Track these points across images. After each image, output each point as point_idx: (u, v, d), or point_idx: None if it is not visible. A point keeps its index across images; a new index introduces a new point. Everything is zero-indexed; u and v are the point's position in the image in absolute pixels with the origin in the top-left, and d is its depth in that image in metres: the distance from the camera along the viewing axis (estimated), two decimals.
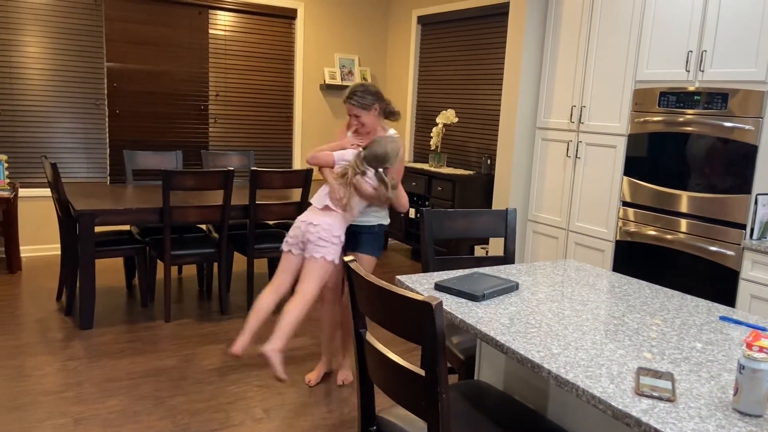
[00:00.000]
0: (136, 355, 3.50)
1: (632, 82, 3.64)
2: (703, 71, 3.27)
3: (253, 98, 6.33)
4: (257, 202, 4.19)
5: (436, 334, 1.41)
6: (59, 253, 5.54)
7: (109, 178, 5.70)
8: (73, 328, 3.86)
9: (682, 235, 3.39)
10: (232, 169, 4.03)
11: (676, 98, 3.40)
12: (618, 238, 3.75)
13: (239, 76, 6.24)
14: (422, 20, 6.34)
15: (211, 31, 6.05)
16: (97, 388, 3.10)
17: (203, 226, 5.04)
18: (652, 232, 3.54)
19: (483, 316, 1.81)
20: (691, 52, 3.32)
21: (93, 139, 5.61)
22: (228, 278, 4.73)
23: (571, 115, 4.02)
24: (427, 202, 5.61)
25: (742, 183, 3.11)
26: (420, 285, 2.08)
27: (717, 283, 3.23)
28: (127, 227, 5.04)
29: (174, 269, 5.19)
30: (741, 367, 1.29)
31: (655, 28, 3.50)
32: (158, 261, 4.87)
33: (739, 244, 3.13)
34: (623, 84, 3.69)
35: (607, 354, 1.58)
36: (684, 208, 3.38)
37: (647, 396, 1.35)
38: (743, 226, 3.13)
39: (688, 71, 3.34)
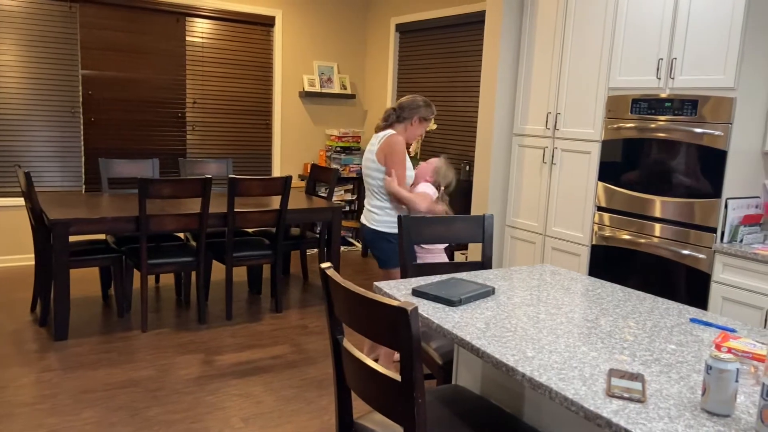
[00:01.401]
0: (112, 366, 3.47)
1: (605, 89, 3.70)
2: (673, 78, 3.34)
3: (231, 105, 6.31)
4: (236, 210, 4.18)
5: (411, 339, 1.42)
6: (33, 263, 5.46)
7: (84, 186, 5.64)
8: (48, 339, 3.80)
9: (655, 239, 3.45)
10: (209, 176, 4.02)
11: (647, 105, 3.46)
12: (593, 243, 3.80)
13: (217, 84, 6.22)
14: (400, 28, 6.38)
15: (188, 39, 6.03)
16: (73, 399, 3.06)
17: (181, 235, 5.00)
18: (627, 237, 3.59)
19: (459, 321, 1.83)
20: (662, 59, 3.39)
21: (68, 148, 5.55)
22: (206, 287, 4.70)
23: (547, 121, 4.08)
24: None
25: (713, 187, 3.18)
26: (398, 291, 2.09)
27: (690, 286, 3.29)
28: (102, 236, 4.98)
29: (151, 278, 5.14)
30: (708, 368, 1.32)
31: (627, 36, 3.57)
32: (135, 270, 4.82)
33: (711, 248, 3.19)
34: (597, 91, 3.75)
35: (580, 356, 1.61)
36: (657, 212, 3.44)
37: (618, 397, 1.38)
38: (714, 230, 3.19)
39: (659, 78, 3.41)
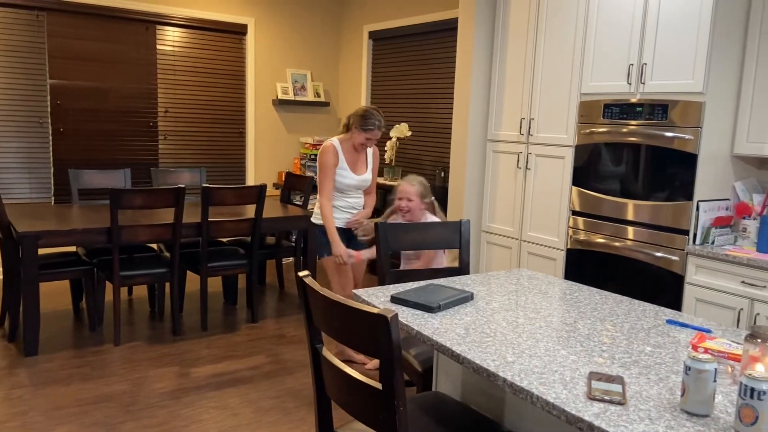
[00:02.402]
0: (85, 381, 3.38)
1: (577, 94, 3.75)
2: (644, 83, 3.39)
3: (203, 114, 6.25)
4: (210, 220, 4.12)
5: (392, 347, 1.41)
6: (0, 277, 5.32)
7: (53, 198, 5.52)
8: (18, 354, 3.70)
9: (629, 242, 3.49)
10: (183, 186, 3.96)
11: (619, 110, 3.51)
12: (569, 247, 3.83)
13: (189, 92, 6.15)
14: (373, 35, 6.39)
15: (159, 47, 5.95)
16: (45, 416, 2.98)
17: (153, 245, 4.92)
18: (601, 240, 3.63)
19: (439, 327, 1.82)
20: (632, 65, 3.44)
21: (36, 159, 5.43)
22: (180, 298, 4.63)
23: (521, 127, 4.11)
24: None
25: (684, 190, 3.23)
26: (376, 298, 2.08)
27: (664, 288, 3.33)
28: (73, 248, 4.88)
29: (123, 290, 5.05)
30: (687, 369, 1.33)
31: (598, 42, 3.62)
32: (107, 283, 4.72)
33: (683, 250, 3.24)
34: (569, 97, 3.80)
35: (560, 360, 1.61)
36: (630, 215, 3.48)
37: (599, 400, 1.38)
38: (686, 232, 3.24)
39: (630, 84, 3.46)
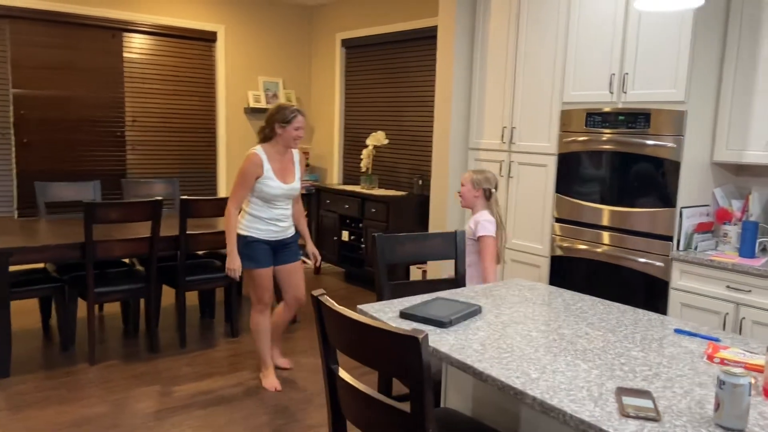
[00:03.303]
0: (62, 404, 3.24)
1: (559, 103, 3.78)
2: (626, 92, 3.44)
3: (173, 123, 6.10)
4: (188, 233, 4.01)
5: (422, 368, 1.37)
6: None
7: (16, 212, 5.30)
8: None
9: (614, 249, 3.53)
10: (160, 198, 3.84)
11: (601, 118, 3.55)
12: (553, 254, 3.85)
13: (157, 101, 6.00)
14: (346, 43, 6.35)
15: (125, 55, 5.79)
16: None
17: (125, 260, 4.76)
18: (585, 247, 3.66)
19: (455, 344, 1.79)
20: (614, 74, 3.49)
21: None
22: (157, 314, 4.48)
23: (503, 135, 4.13)
24: (360, 224, 5.58)
25: (668, 197, 3.28)
26: (384, 314, 2.04)
27: (649, 294, 3.38)
28: (41, 265, 4.68)
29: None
30: (721, 383, 1.33)
31: (579, 52, 3.66)
32: (79, 299, 4.55)
33: (668, 256, 3.29)
34: (551, 105, 3.83)
35: (583, 375, 1.60)
36: (615, 222, 3.52)
37: (633, 417, 1.37)
38: (670, 238, 3.29)
39: (612, 93, 3.50)
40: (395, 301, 2.21)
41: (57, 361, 3.82)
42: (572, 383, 1.54)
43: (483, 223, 3.07)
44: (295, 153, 3.53)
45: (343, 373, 1.64)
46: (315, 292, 1.66)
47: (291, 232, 3.55)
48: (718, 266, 3.08)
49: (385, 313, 2.04)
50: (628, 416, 1.37)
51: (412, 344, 1.37)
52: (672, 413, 1.40)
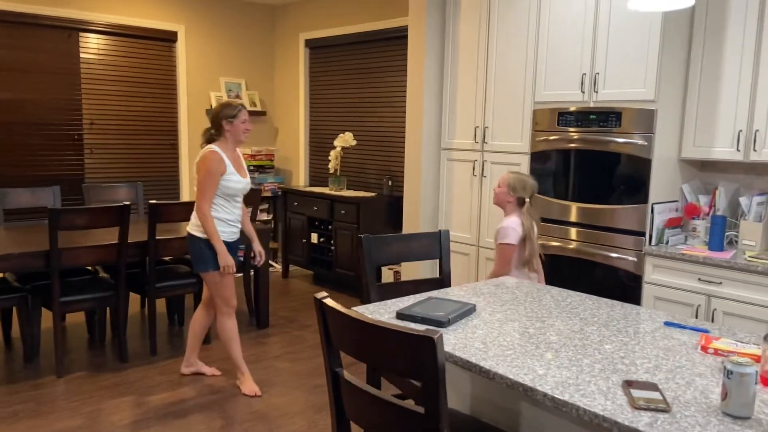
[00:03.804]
0: (33, 418, 3.10)
1: (531, 103, 3.84)
2: (597, 92, 3.52)
3: (133, 126, 5.93)
4: (157, 238, 3.90)
5: (437, 368, 1.36)
6: None
7: None
8: None
9: (588, 245, 3.60)
10: (128, 203, 3.73)
11: (573, 117, 3.62)
12: None
13: (116, 103, 5.82)
14: (310, 44, 6.30)
15: (82, 55, 5.60)
16: None
17: (89, 267, 4.60)
18: (559, 244, 3.72)
19: (456, 343, 1.79)
20: (585, 74, 3.56)
21: None
22: (125, 322, 4.35)
23: (475, 135, 4.16)
24: (330, 226, 5.54)
25: (640, 194, 3.36)
26: (380, 315, 2.02)
27: (623, 288, 3.45)
28: (0, 274, 4.48)
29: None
30: (729, 373, 1.37)
31: (551, 52, 3.72)
32: (42, 309, 4.37)
33: (641, 250, 3.37)
34: (523, 105, 3.88)
35: (587, 370, 1.62)
36: (588, 219, 3.59)
37: (645, 409, 1.39)
38: (643, 234, 3.37)
39: (584, 92, 3.57)
40: (389, 302, 2.19)
41: (21, 374, 3.67)
42: (579, 378, 1.56)
43: (506, 229, 2.98)
44: (239, 151, 3.53)
45: (349, 377, 1.62)
46: (318, 295, 1.64)
47: (239, 234, 3.57)
48: (689, 260, 3.18)
49: (381, 315, 2.03)
50: (639, 408, 1.39)
51: (427, 344, 1.36)
52: (680, 404, 1.43)
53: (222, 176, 3.29)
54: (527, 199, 3.03)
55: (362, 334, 1.50)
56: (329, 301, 1.61)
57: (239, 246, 3.60)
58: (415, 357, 1.39)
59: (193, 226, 3.40)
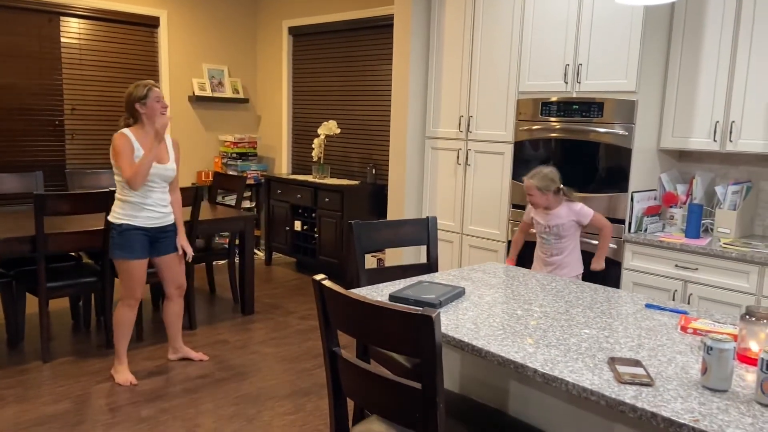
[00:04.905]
0: (21, 402, 3.11)
1: (515, 93, 3.91)
2: (579, 83, 3.60)
3: (114, 112, 5.88)
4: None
5: (435, 346, 1.42)
6: None
7: None
8: None
9: None
10: (113, 189, 3.72)
11: (556, 107, 3.70)
12: (509, 239, 3.99)
13: (97, 88, 5.77)
14: (293, 31, 6.30)
15: (63, 40, 5.54)
16: None
17: (73, 253, 4.58)
18: None
19: (448, 323, 1.86)
20: (568, 65, 3.64)
21: None
22: (110, 308, 4.35)
23: (460, 124, 4.22)
24: (313, 214, 5.57)
25: (620, 183, 3.46)
26: (373, 298, 2.08)
27: (603, 274, 3.55)
28: None
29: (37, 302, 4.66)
30: (709, 349, 1.45)
31: (535, 43, 3.79)
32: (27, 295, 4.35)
33: (620, 238, 3.48)
34: (507, 95, 3.95)
35: (575, 348, 1.70)
36: None
37: (630, 383, 1.47)
38: (623, 221, 3.48)
39: (567, 83, 3.65)
40: (380, 285, 2.25)
41: (6, 359, 3.66)
42: (567, 355, 1.64)
43: (582, 210, 3.20)
44: (169, 140, 3.45)
45: (347, 355, 1.67)
46: (317, 277, 1.69)
47: (171, 219, 3.46)
48: (667, 246, 3.29)
49: (374, 298, 2.09)
50: (625, 383, 1.47)
51: (426, 323, 1.42)
52: (662, 379, 1.51)
53: (133, 153, 3.21)
54: (561, 186, 3.22)
55: (362, 315, 1.55)
56: (328, 283, 1.66)
57: (168, 231, 3.46)
58: (414, 335, 1.45)
59: (112, 213, 3.34)
